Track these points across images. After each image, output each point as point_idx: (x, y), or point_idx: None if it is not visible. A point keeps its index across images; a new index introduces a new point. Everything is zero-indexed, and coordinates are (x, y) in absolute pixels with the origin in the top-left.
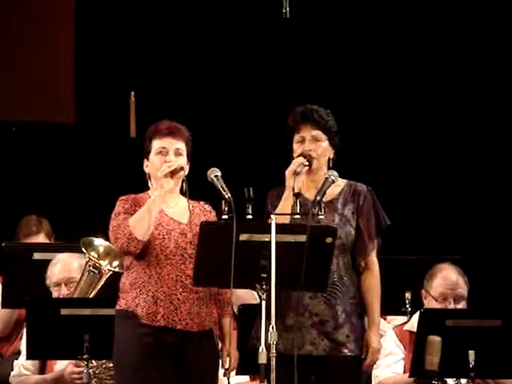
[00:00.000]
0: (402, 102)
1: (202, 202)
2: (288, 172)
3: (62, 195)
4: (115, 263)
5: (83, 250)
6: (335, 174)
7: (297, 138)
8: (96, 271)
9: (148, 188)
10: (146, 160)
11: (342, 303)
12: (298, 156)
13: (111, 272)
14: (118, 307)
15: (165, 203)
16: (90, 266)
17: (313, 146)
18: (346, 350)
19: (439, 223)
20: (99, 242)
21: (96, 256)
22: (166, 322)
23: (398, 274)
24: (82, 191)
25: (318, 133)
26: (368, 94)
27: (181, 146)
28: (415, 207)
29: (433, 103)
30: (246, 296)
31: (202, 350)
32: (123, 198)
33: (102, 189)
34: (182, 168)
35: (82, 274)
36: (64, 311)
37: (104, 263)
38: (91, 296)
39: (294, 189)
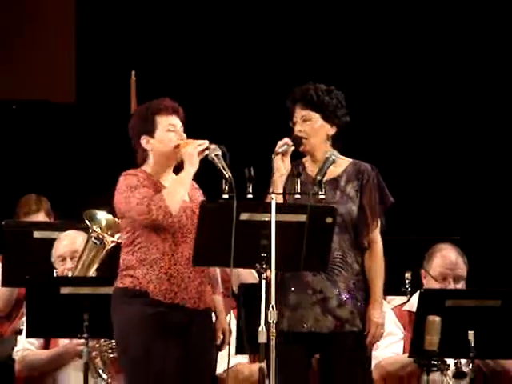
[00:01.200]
0: (407, 82)
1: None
2: (274, 154)
3: (62, 174)
4: (117, 235)
5: (86, 221)
6: (336, 153)
7: (293, 119)
8: (98, 242)
9: (137, 166)
10: (146, 136)
11: (345, 280)
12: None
13: (114, 244)
14: (121, 285)
15: (164, 181)
16: (92, 237)
17: (303, 127)
18: (350, 326)
19: (439, 203)
20: (102, 215)
21: (98, 228)
22: (178, 300)
23: (397, 254)
24: (81, 169)
25: (306, 113)
26: (375, 72)
27: (181, 125)
28: (415, 187)
29: (438, 87)
30: (247, 275)
31: (205, 328)
32: (130, 172)
33: (102, 167)
34: (215, 148)
35: (85, 246)
36: (64, 290)
37: (106, 235)
38: (94, 268)
39: (279, 170)
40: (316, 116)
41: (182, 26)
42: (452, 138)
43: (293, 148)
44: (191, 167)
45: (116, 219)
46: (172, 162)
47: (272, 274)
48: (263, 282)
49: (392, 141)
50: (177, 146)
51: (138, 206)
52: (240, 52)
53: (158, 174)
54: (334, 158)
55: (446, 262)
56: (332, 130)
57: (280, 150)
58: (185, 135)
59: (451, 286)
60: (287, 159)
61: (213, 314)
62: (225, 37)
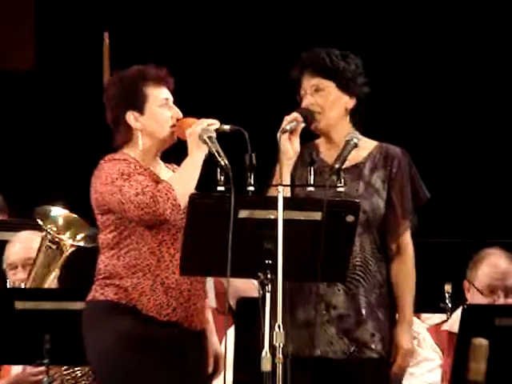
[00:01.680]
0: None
1: (174, 165)
2: (279, 133)
3: (18, 159)
4: (79, 236)
5: (38, 221)
6: (358, 135)
7: (301, 91)
8: (54, 247)
9: (112, 149)
10: (133, 111)
11: (366, 294)
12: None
13: (74, 248)
14: (101, 297)
15: (154, 170)
16: (47, 240)
17: (314, 99)
18: (369, 351)
19: (486, 199)
20: (57, 212)
21: (54, 229)
22: (176, 318)
23: (434, 261)
24: (42, 154)
25: (318, 80)
26: (414, 49)
27: (172, 97)
28: (457, 179)
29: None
30: (246, 287)
31: (202, 353)
32: (117, 156)
33: (69, 150)
34: (232, 128)
35: (38, 251)
36: (19, 304)
37: (64, 237)
38: (51, 277)
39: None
40: (331, 85)
41: None
42: (499, 128)
43: (303, 125)
44: (199, 151)
45: (75, 216)
46: (166, 145)
47: (278, 285)
48: (267, 295)
49: (426, 120)
50: (173, 126)
51: (139, 197)
52: (234, 7)
53: (146, 160)
54: (355, 141)
55: (494, 271)
56: (351, 103)
57: (288, 128)
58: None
59: (501, 300)
60: (296, 139)
61: None
62: None
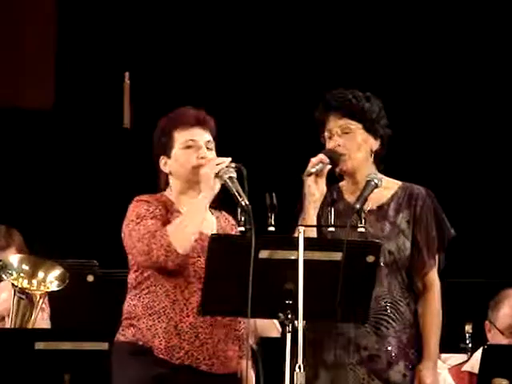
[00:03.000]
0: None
1: (223, 212)
2: (304, 175)
3: (39, 200)
4: (49, 279)
5: (2, 275)
6: (379, 175)
7: (326, 132)
8: (24, 296)
9: (157, 189)
10: (163, 157)
11: (397, 334)
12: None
13: (46, 292)
14: (122, 338)
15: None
16: (16, 292)
17: (341, 140)
18: None
19: (508, 239)
20: (18, 259)
21: (22, 276)
22: (189, 361)
23: (455, 301)
24: (63, 194)
25: (345, 122)
26: (434, 83)
27: (210, 138)
28: (480, 219)
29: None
30: (268, 327)
31: None
32: (143, 198)
33: (89, 193)
34: (236, 166)
35: (12, 304)
36: (39, 345)
37: (34, 284)
38: (31, 323)
39: (313, 195)
40: (358, 126)
41: (186, 19)
42: None
43: (329, 167)
44: (207, 192)
45: (38, 259)
46: (194, 186)
47: (299, 325)
48: (288, 335)
49: (450, 160)
50: (196, 167)
51: (139, 244)
52: (256, 50)
53: (180, 201)
54: (376, 181)
55: None
56: (376, 144)
57: (313, 170)
58: (213, 153)
59: None
60: (322, 181)
61: None
62: (237, 31)
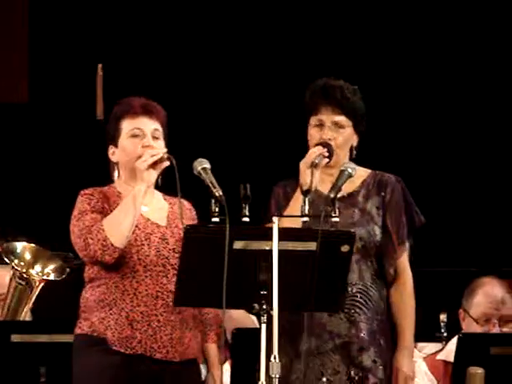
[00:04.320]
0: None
1: (180, 198)
2: (303, 164)
3: (13, 192)
4: (48, 269)
5: (5, 259)
6: (352, 165)
7: (314, 120)
8: (24, 283)
9: (112, 181)
10: (112, 146)
11: (368, 321)
12: (317, 145)
13: (44, 281)
14: (78, 331)
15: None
16: (16, 277)
17: (333, 134)
18: (373, 378)
19: (482, 227)
20: (22, 246)
21: (21, 264)
22: (143, 350)
23: (429, 290)
24: (33, 185)
25: (341, 118)
26: (403, 69)
27: (158, 127)
28: (453, 206)
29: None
30: (242, 318)
31: (182, 380)
32: (87, 191)
33: (60, 183)
34: (168, 158)
35: (9, 288)
36: (15, 338)
37: (33, 271)
38: (24, 311)
39: (310, 186)
40: (349, 123)
41: (160, 6)
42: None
43: (327, 161)
44: (140, 184)
45: (42, 249)
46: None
47: (274, 315)
48: (263, 326)
49: (419, 146)
50: (139, 156)
51: (77, 240)
52: (231, 40)
53: (127, 191)
54: (349, 171)
55: (490, 299)
56: (356, 141)
57: (317, 161)
58: (161, 143)
59: (497, 329)
60: (318, 173)
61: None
62: (211, 20)
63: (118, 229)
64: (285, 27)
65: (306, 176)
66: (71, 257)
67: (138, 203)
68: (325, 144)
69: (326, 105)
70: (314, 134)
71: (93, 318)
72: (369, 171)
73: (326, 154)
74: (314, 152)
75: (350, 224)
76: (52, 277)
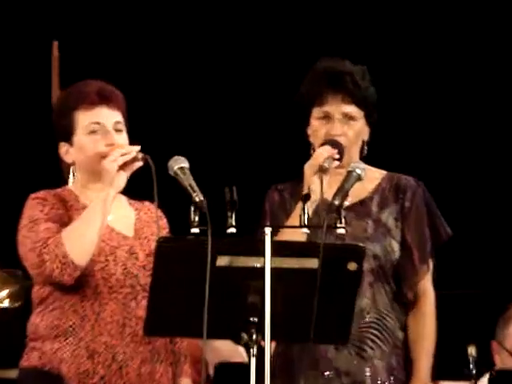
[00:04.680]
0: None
1: (146, 203)
2: (309, 168)
3: None
4: (1, 294)
5: None
6: (362, 165)
7: (318, 112)
8: None
9: (63, 183)
10: (64, 143)
11: (384, 356)
12: (323, 144)
13: None
14: (25, 363)
15: None
16: None
17: (344, 128)
18: None
19: None
20: None
21: None
22: None
23: (455, 317)
24: None
25: (352, 109)
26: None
27: (119, 118)
28: (482, 213)
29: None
30: (227, 350)
31: None
32: (39, 195)
33: (4, 184)
34: (143, 157)
35: None
36: None
37: None
38: None
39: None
40: (361, 114)
41: None
42: None
43: (337, 163)
44: (109, 188)
45: None
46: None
47: (266, 347)
48: (252, 359)
49: (446, 144)
50: (104, 156)
51: (29, 255)
52: (213, 16)
53: (89, 196)
54: (359, 171)
55: None
56: (367, 134)
57: (326, 165)
58: (124, 136)
59: None
60: (327, 178)
61: None
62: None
63: (80, 242)
64: (275, 13)
65: (312, 183)
66: (19, 275)
67: (105, 211)
68: (333, 142)
69: (334, 94)
70: (319, 127)
71: (44, 348)
72: (384, 173)
73: (337, 156)
74: (322, 154)
75: (364, 238)
76: (6, 303)
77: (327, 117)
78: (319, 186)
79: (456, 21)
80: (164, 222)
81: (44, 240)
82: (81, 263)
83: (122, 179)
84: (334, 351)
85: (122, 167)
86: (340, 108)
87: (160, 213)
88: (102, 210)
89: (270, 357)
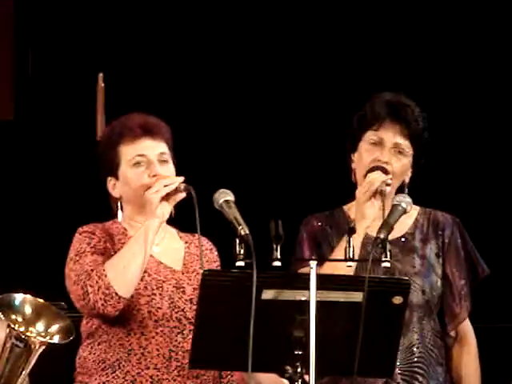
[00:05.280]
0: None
1: (196, 235)
2: (363, 193)
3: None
4: (52, 329)
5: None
6: (408, 199)
7: (372, 136)
8: (21, 344)
9: (113, 217)
10: (111, 178)
11: None
12: (372, 169)
13: (46, 344)
14: None
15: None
16: (12, 337)
17: (393, 159)
18: None
19: None
20: (22, 300)
21: (20, 320)
22: None
23: (498, 351)
24: (22, 220)
25: (406, 143)
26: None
27: (164, 149)
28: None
29: None
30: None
31: None
32: (86, 228)
33: (54, 217)
34: (186, 188)
35: (3, 351)
36: None
37: (34, 331)
38: (23, 375)
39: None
40: (410, 152)
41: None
42: None
43: (388, 189)
44: (152, 220)
45: (46, 303)
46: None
47: (311, 381)
48: None
49: (477, 179)
50: (148, 188)
51: (74, 287)
52: (246, 54)
53: (134, 228)
54: (404, 205)
55: None
56: (409, 176)
57: (383, 189)
58: (170, 166)
59: None
60: (380, 204)
61: None
62: (219, 29)
63: (123, 274)
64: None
65: (367, 208)
66: (64, 307)
67: (149, 242)
68: (383, 169)
69: (393, 122)
70: (368, 152)
71: (91, 382)
72: (417, 208)
73: (390, 182)
74: (378, 178)
75: (413, 274)
76: (56, 339)
77: (379, 143)
78: (375, 210)
79: (463, 35)
80: (215, 255)
81: (88, 272)
82: (124, 295)
83: (166, 210)
84: None
85: (166, 198)
86: (395, 137)
87: (211, 245)
88: (144, 240)
89: None
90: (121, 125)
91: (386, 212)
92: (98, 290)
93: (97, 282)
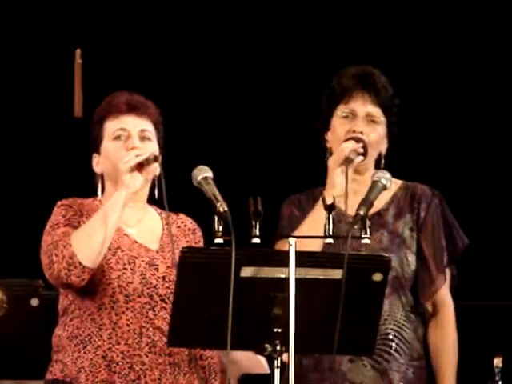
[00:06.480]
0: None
1: (181, 215)
2: (334, 162)
3: None
4: None
5: None
6: (387, 175)
7: (343, 109)
8: None
9: (96, 194)
10: (95, 154)
11: (401, 368)
12: (346, 140)
13: None
14: (49, 376)
15: (124, 217)
16: None
17: (367, 129)
18: None
19: None
20: None
21: None
22: None
23: (480, 328)
24: (4, 197)
25: (377, 110)
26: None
27: (148, 127)
28: (504, 220)
29: None
30: (250, 362)
31: None
32: (65, 202)
33: (32, 195)
34: (155, 158)
35: None
36: None
37: None
38: None
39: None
40: (383, 119)
41: None
42: None
43: (361, 159)
44: (121, 191)
45: None
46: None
47: (290, 359)
48: (276, 371)
49: (467, 153)
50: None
51: (43, 257)
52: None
53: None
54: (384, 182)
55: None
56: (385, 147)
57: (353, 158)
58: (153, 144)
59: None
60: (350, 171)
61: None
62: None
63: (88, 243)
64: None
65: (336, 177)
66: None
67: (117, 213)
68: (357, 139)
69: (362, 92)
70: (340, 125)
71: (65, 360)
72: (399, 182)
73: (361, 151)
74: (347, 146)
75: (379, 250)
76: None
77: (351, 115)
78: (344, 178)
79: (461, 31)
80: (198, 235)
81: (54, 243)
82: (88, 264)
83: (137, 180)
84: (348, 363)
85: (138, 169)
86: (366, 107)
87: (195, 225)
88: (111, 209)
89: (287, 368)
90: (107, 102)
91: (353, 183)
92: (63, 260)
93: (61, 251)
